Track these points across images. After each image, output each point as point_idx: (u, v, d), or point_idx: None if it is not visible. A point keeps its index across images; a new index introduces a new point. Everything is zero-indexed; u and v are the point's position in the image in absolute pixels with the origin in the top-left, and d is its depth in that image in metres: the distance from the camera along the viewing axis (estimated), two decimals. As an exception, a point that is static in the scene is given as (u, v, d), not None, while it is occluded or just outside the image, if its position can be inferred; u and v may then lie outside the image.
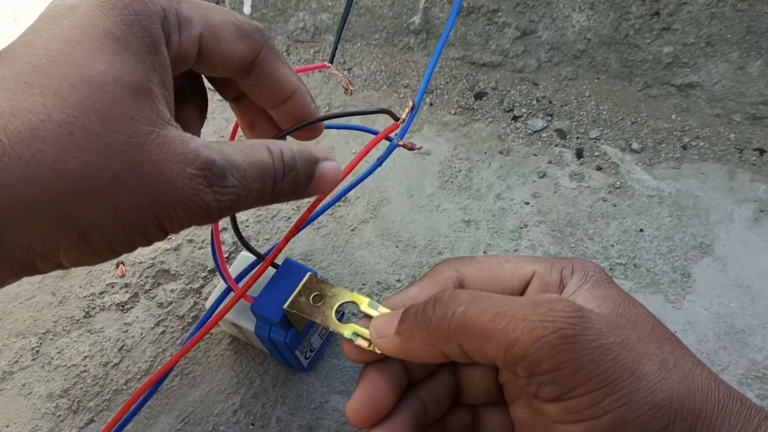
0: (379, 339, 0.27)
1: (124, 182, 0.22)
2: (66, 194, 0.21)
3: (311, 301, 0.32)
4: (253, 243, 0.46)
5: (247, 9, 0.60)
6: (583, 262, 0.28)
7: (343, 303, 0.31)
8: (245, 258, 0.39)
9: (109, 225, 0.23)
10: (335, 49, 0.37)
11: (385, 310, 0.29)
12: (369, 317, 0.30)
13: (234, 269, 0.39)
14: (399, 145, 0.35)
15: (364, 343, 0.29)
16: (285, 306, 0.32)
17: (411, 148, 0.35)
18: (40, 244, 0.22)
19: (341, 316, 0.32)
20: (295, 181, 0.28)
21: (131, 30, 0.23)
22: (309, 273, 0.33)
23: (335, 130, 0.53)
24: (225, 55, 0.28)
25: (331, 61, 0.37)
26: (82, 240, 0.23)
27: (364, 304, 0.31)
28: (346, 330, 0.29)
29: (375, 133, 0.37)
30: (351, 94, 0.37)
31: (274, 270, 0.36)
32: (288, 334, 0.35)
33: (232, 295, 0.36)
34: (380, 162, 0.35)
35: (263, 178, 0.26)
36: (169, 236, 0.30)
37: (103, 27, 0.23)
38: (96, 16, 0.23)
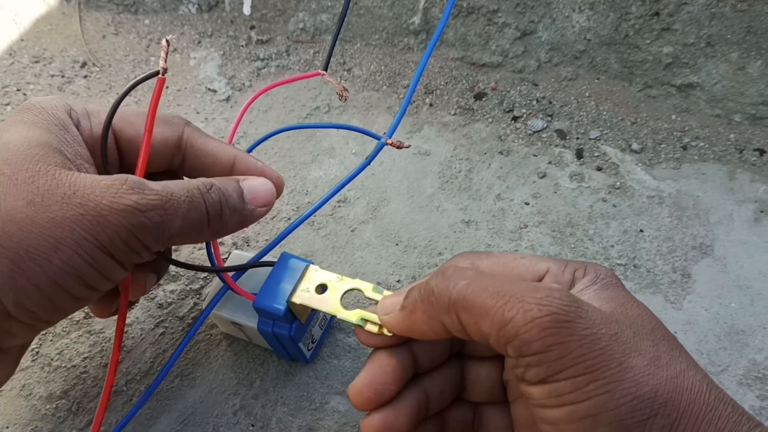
0: (385, 316, 0.28)
1: (38, 204, 0.26)
2: None
3: (316, 292, 0.32)
4: (252, 243, 0.46)
5: (246, 10, 0.60)
6: (596, 266, 0.28)
7: (348, 290, 0.32)
8: (238, 255, 0.39)
9: (38, 249, 0.25)
10: (329, 56, 0.37)
11: (389, 293, 0.30)
12: (376, 302, 0.30)
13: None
14: (387, 144, 0.35)
15: (373, 328, 0.29)
16: (290, 298, 0.32)
17: (399, 147, 0.35)
18: None
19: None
20: (223, 194, 0.31)
21: (40, 117, 0.29)
22: (309, 264, 0.33)
23: (335, 131, 0.53)
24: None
25: (326, 69, 0.36)
26: (16, 271, 0.25)
27: (369, 289, 0.31)
28: (354, 316, 0.30)
29: (373, 135, 0.37)
30: (345, 100, 0.37)
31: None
32: (292, 327, 0.35)
33: (228, 292, 0.36)
34: (368, 161, 0.35)
35: (188, 188, 0.29)
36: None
37: (18, 119, 0.29)
38: (16, 116, 0.29)
